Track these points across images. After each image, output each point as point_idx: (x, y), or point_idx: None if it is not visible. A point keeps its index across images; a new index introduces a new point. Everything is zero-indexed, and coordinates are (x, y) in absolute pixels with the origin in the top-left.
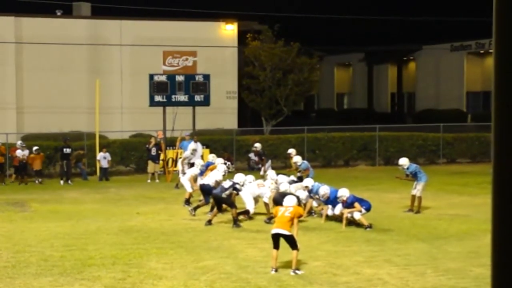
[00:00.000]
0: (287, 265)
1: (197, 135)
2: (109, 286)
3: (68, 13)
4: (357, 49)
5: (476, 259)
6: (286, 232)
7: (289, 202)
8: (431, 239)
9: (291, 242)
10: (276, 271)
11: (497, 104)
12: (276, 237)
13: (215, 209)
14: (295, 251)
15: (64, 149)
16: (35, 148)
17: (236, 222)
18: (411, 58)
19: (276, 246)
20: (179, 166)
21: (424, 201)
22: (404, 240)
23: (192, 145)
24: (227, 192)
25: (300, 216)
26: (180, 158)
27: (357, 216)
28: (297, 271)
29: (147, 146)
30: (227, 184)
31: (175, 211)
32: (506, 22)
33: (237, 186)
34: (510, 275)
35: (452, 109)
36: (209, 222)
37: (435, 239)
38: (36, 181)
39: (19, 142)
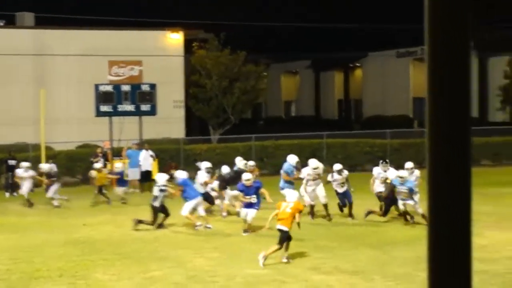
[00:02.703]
0: (235, 272)
1: (144, 144)
2: None
3: (11, 23)
4: (304, 56)
5: (423, 264)
6: (285, 229)
7: (291, 197)
8: (379, 245)
9: (282, 238)
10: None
11: (430, 110)
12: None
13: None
14: (277, 246)
15: (9, 161)
16: None
17: (141, 222)
18: (358, 65)
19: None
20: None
21: (373, 207)
22: (353, 247)
23: (143, 153)
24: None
25: (301, 211)
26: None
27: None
28: (262, 260)
29: (91, 159)
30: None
31: (122, 222)
32: (437, 30)
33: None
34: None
35: (399, 115)
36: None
37: (383, 245)
38: None
39: None
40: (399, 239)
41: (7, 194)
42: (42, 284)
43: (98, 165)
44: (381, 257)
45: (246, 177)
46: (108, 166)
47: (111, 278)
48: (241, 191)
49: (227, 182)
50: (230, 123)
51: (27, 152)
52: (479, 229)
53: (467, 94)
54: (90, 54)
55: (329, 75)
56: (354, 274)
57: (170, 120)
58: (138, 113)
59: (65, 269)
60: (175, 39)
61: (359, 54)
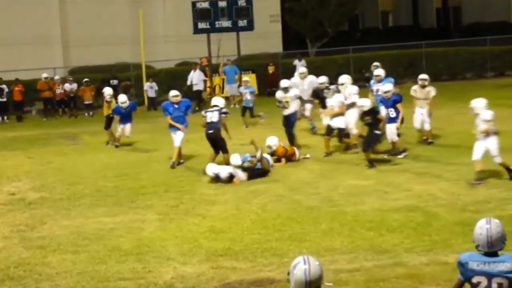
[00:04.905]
0: (337, 183)
1: (242, 60)
2: (162, 213)
3: None
4: None
5: None
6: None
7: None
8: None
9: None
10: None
11: None
12: None
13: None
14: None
15: (111, 81)
16: (85, 80)
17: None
18: None
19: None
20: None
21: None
22: (454, 156)
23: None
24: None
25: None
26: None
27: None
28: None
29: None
30: (215, 117)
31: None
32: None
33: (224, 110)
34: None
35: (499, 21)
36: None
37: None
38: (87, 114)
39: (56, 77)
40: (502, 147)
41: (111, 113)
42: (148, 200)
43: None
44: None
45: (385, 88)
46: (208, 83)
47: (216, 192)
48: (381, 101)
49: None
50: (327, 36)
51: (128, 71)
52: None
53: None
54: None
55: None
56: (455, 182)
57: (267, 35)
58: (235, 29)
59: (170, 184)
60: None
61: None
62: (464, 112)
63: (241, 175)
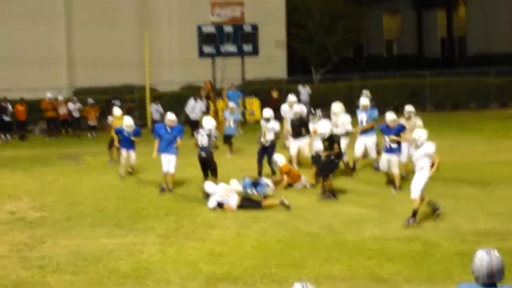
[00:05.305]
0: (337, 210)
1: (246, 85)
2: (163, 236)
3: None
4: None
5: None
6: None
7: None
8: (480, 183)
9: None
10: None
11: None
12: None
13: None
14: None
15: (113, 101)
16: (90, 101)
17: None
18: (462, 1)
19: None
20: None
21: (475, 146)
22: (453, 185)
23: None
24: (209, 148)
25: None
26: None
27: None
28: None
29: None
30: (205, 141)
31: (226, 161)
32: None
33: (214, 132)
34: None
35: (504, 52)
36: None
37: (484, 183)
38: (89, 135)
39: (59, 97)
40: (501, 178)
41: None
42: (149, 222)
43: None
44: (482, 196)
45: (392, 117)
46: (211, 107)
47: (216, 216)
48: (381, 130)
49: None
50: (331, 62)
51: (132, 93)
52: None
53: None
54: None
55: (432, 13)
56: (455, 212)
57: (272, 60)
58: (240, 53)
59: (171, 207)
60: None
61: None
62: (467, 143)
63: (233, 203)
